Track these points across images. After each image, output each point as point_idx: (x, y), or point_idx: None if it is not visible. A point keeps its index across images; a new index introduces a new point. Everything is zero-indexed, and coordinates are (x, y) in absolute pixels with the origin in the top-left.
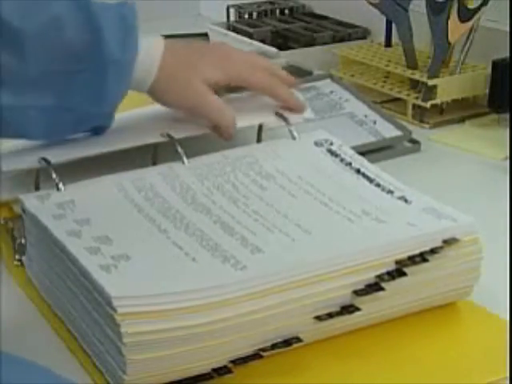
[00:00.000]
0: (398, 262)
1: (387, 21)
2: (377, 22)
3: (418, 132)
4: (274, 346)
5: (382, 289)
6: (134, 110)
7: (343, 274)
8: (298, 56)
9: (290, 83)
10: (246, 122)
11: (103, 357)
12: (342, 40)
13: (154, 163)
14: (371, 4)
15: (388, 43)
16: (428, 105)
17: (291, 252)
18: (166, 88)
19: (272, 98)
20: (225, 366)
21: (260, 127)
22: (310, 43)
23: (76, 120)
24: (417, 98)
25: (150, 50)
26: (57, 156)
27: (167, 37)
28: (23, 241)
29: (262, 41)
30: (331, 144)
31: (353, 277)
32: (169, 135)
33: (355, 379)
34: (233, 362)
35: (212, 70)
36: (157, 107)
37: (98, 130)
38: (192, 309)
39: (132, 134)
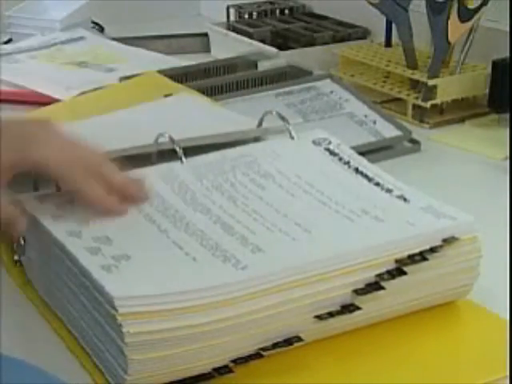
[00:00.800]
0: (397, 261)
1: (387, 21)
2: (377, 22)
3: (418, 132)
4: (274, 346)
5: (382, 288)
6: (132, 109)
7: (343, 274)
8: (297, 56)
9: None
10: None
11: (104, 356)
12: (342, 40)
13: (153, 163)
14: (371, 4)
15: (388, 43)
16: (428, 105)
17: (291, 251)
18: None
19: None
20: (226, 366)
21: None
22: (310, 43)
23: None
24: (417, 98)
25: None
26: None
27: (167, 37)
28: (22, 241)
29: (262, 41)
30: (329, 143)
31: (353, 276)
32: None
33: (355, 379)
34: (234, 361)
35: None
36: (151, 105)
37: None
38: (193, 309)
39: (132, 136)
